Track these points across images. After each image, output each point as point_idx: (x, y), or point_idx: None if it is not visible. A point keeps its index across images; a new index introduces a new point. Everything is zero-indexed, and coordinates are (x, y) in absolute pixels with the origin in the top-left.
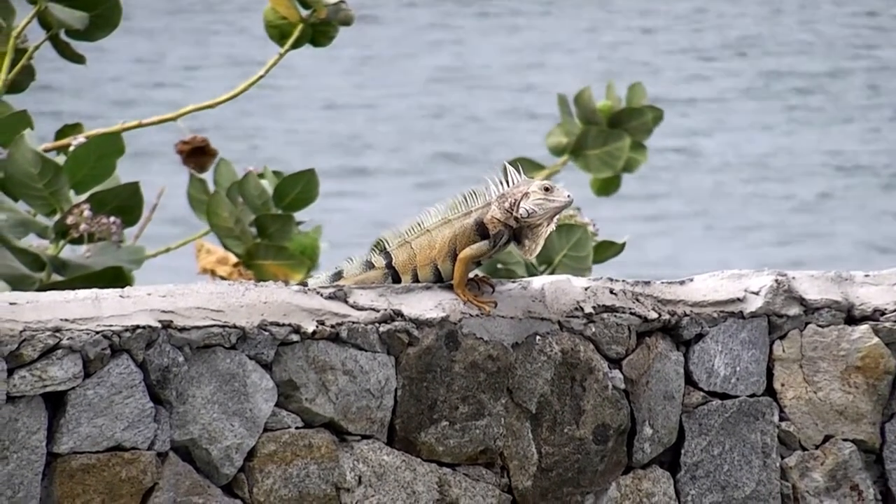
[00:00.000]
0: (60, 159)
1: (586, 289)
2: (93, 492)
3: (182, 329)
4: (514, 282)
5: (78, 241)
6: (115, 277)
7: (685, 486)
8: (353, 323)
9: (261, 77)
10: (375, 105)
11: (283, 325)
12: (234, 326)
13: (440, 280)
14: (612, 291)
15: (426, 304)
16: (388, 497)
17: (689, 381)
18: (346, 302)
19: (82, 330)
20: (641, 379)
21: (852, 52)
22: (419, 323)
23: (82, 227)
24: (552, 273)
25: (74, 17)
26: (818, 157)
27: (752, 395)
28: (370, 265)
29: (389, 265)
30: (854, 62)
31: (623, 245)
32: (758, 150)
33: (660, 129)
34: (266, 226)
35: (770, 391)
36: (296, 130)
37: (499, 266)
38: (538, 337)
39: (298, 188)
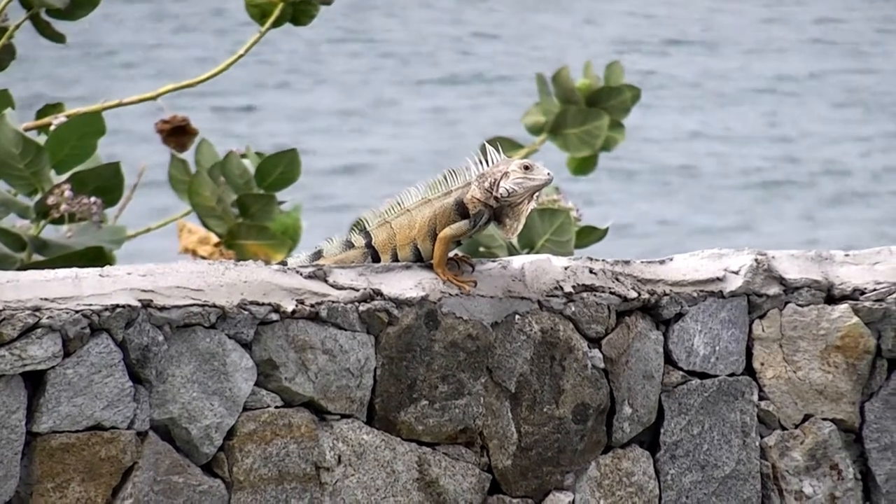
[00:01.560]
0: (41, 139)
1: (566, 268)
2: (72, 471)
3: (162, 308)
4: (493, 261)
5: (59, 221)
6: (96, 257)
7: (665, 465)
8: (333, 302)
9: (241, 56)
10: None
11: (263, 304)
12: (214, 306)
13: (420, 259)
14: (591, 271)
15: (406, 284)
16: (368, 476)
17: (669, 360)
18: (326, 281)
19: (62, 309)
20: (621, 358)
21: None
22: (399, 302)
23: (63, 207)
24: None
25: None
26: None
27: (731, 375)
28: (350, 245)
29: (369, 245)
30: None
31: (606, 230)
32: None
33: None
34: (248, 206)
35: (750, 370)
36: None
37: (480, 249)
38: (518, 316)
39: (280, 168)
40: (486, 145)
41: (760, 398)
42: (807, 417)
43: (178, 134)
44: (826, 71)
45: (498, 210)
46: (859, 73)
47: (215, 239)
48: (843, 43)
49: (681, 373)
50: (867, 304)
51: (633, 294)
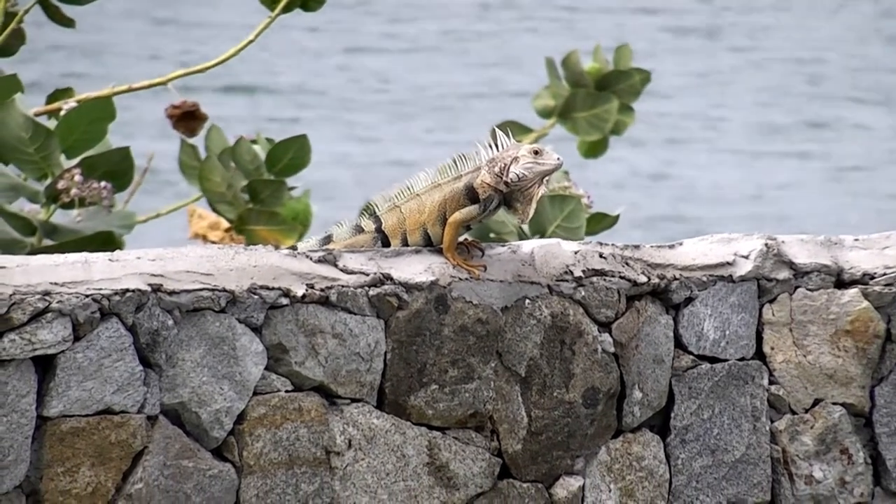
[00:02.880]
0: (51, 124)
1: (576, 252)
2: (82, 455)
3: (172, 292)
4: (503, 245)
5: (69, 205)
6: (106, 242)
7: (675, 449)
8: (343, 286)
9: (251, 41)
10: None
11: (273, 288)
12: (224, 290)
13: (430, 244)
14: (601, 255)
15: (416, 268)
16: (378, 460)
17: (679, 344)
18: (336, 265)
19: (72, 293)
20: (631, 342)
21: None
22: (409, 286)
23: (73, 191)
24: None
25: None
26: None
27: (741, 359)
28: (360, 229)
29: (379, 229)
30: None
31: (617, 217)
32: None
33: None
34: (258, 191)
35: (760, 355)
36: None
37: (490, 234)
38: (528, 300)
39: (291, 154)
40: (497, 130)
41: (770, 382)
42: (817, 402)
43: (187, 119)
44: None
45: (508, 195)
46: None
47: (226, 224)
48: None
49: (691, 357)
50: (877, 288)
51: (643, 278)
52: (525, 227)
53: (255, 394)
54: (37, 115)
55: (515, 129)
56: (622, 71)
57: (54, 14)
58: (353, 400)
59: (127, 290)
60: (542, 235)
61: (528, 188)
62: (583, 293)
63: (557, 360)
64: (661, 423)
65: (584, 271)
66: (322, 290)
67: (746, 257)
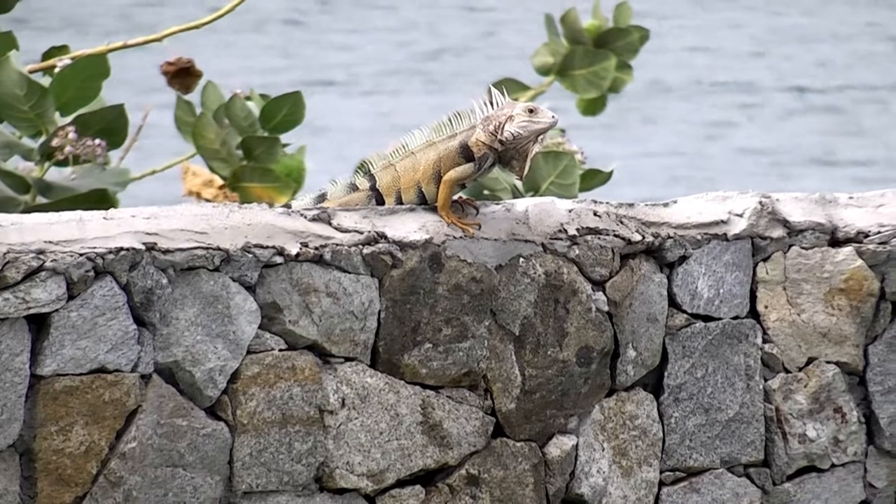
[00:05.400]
0: (46, 81)
1: (570, 211)
2: (76, 414)
3: (166, 251)
4: (497, 203)
5: (63, 163)
6: (100, 199)
7: (668, 408)
8: (337, 245)
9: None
10: None
11: (267, 247)
12: (218, 248)
13: (424, 202)
14: (595, 213)
15: (410, 226)
16: (372, 419)
17: (673, 303)
18: (330, 224)
19: (66, 252)
20: (625, 301)
21: None
22: (403, 245)
23: (67, 149)
24: None
25: None
26: None
27: (735, 318)
28: (354, 187)
29: (373, 187)
30: None
31: (610, 173)
32: None
33: None
34: (252, 148)
35: (753, 313)
36: None
37: (485, 192)
38: (522, 259)
39: (285, 110)
40: (492, 88)
41: (764, 341)
42: (810, 360)
43: (182, 76)
44: None
45: (503, 153)
46: None
47: (220, 181)
48: None
49: (685, 316)
50: (871, 246)
51: (637, 237)
52: (519, 184)
53: (248, 353)
54: (31, 72)
55: (513, 86)
56: (621, 28)
57: None
58: (347, 359)
59: (121, 249)
60: (536, 192)
61: (523, 146)
62: (577, 251)
63: (551, 318)
64: (654, 382)
65: (578, 229)
66: (316, 248)
67: (741, 215)
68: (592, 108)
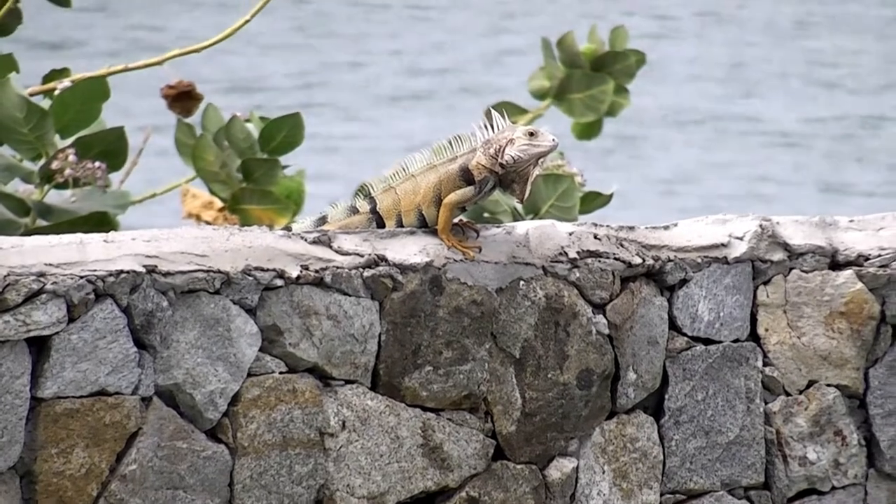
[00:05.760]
0: (46, 103)
1: (571, 234)
2: (77, 436)
3: (166, 274)
4: (498, 226)
5: (63, 185)
6: (101, 222)
7: (669, 431)
8: (338, 268)
9: (247, 22)
10: None
11: (268, 269)
12: (219, 271)
13: (425, 225)
14: (596, 236)
15: (410, 249)
16: (372, 442)
17: (673, 326)
18: (331, 247)
19: (66, 275)
20: (625, 324)
21: None
22: (403, 268)
23: (67, 171)
24: None
25: None
26: None
27: (735, 341)
28: (354, 210)
29: (374, 210)
30: None
31: (610, 196)
32: None
33: None
34: (252, 170)
35: (754, 336)
36: None
37: (485, 214)
38: (522, 282)
39: (284, 132)
40: (492, 111)
41: (765, 364)
42: (811, 383)
43: (183, 99)
44: None
45: (504, 176)
46: None
47: (219, 204)
48: None
49: (685, 338)
50: (871, 269)
51: (638, 260)
52: (519, 207)
53: (249, 375)
54: (31, 94)
55: (510, 109)
56: (618, 52)
57: None
58: (348, 381)
59: (121, 272)
60: (536, 215)
61: (524, 169)
62: (577, 274)
63: (552, 341)
64: (655, 405)
65: (578, 252)
66: (317, 271)
67: (741, 238)
68: (588, 132)
